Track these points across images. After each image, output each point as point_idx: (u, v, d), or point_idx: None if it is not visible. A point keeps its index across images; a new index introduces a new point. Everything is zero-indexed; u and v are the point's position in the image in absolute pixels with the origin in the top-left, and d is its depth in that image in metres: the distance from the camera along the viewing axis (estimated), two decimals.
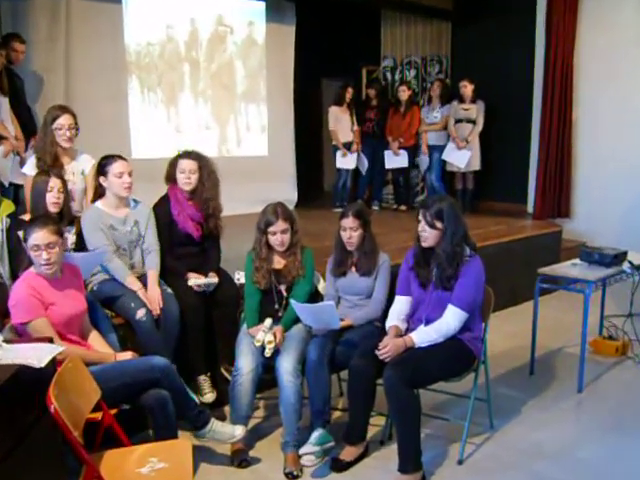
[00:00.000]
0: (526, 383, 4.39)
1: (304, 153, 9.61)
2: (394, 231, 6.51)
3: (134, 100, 7.37)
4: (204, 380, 3.80)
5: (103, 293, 3.61)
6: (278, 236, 3.56)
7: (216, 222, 4.03)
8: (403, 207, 8.47)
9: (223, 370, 3.89)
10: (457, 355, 3.23)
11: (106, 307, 3.57)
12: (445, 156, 7.81)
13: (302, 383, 3.38)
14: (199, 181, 3.95)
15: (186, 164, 3.92)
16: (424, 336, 3.19)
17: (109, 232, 3.69)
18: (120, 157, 3.74)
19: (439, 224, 3.17)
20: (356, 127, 8.34)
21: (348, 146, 8.28)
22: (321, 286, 3.90)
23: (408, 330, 3.35)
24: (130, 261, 3.78)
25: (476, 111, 7.61)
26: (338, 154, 8.25)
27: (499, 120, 8.05)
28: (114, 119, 7.07)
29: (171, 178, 3.98)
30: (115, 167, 3.69)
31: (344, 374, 3.55)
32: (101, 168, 3.73)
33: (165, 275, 3.84)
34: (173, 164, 3.96)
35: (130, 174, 3.71)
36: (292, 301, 3.44)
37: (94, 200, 3.81)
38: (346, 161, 8.27)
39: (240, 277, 3.96)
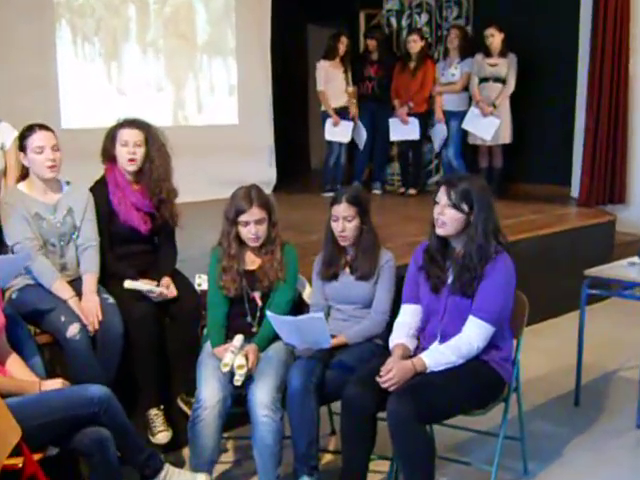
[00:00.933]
0: (570, 416, 4.42)
1: (285, 121, 9.62)
2: (401, 222, 6.53)
3: (64, 53, 7.35)
4: (156, 415, 3.79)
5: (24, 303, 3.59)
6: (252, 227, 3.56)
7: (170, 211, 4.03)
8: (412, 191, 8.51)
9: (180, 402, 3.88)
10: (481, 381, 3.23)
11: (29, 321, 3.55)
12: (466, 125, 7.84)
13: (282, 418, 3.37)
14: (146, 158, 3.94)
15: (129, 135, 3.91)
16: (439, 357, 3.19)
17: (34, 222, 3.68)
18: (41, 127, 3.71)
19: (465, 207, 3.18)
20: (351, 88, 8.34)
21: (342, 112, 8.29)
22: (306, 293, 3.90)
23: (418, 349, 3.36)
24: (60, 260, 3.76)
25: (506, 67, 7.64)
26: (328, 122, 8.27)
27: (535, 79, 8.09)
28: (38, 78, 7.05)
29: (109, 155, 3.97)
30: (34, 140, 3.66)
31: (336, 406, 3.54)
32: (20, 143, 3.71)
33: (106, 280, 3.83)
34: (111, 136, 3.94)
35: (55, 148, 3.69)
36: (269, 313, 3.44)
37: (18, 182, 3.80)
38: (339, 132, 8.29)
39: (202, 282, 3.95)
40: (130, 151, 3.90)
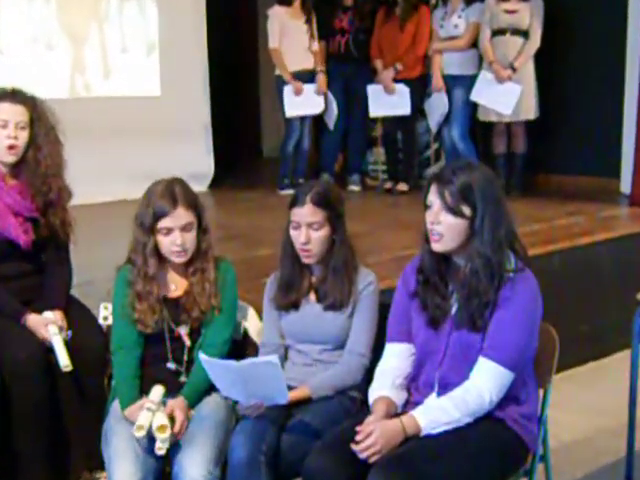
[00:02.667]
0: None
1: (226, 92, 9.62)
2: (387, 229, 6.57)
3: None
4: None
5: None
6: (177, 236, 3.55)
7: (62, 216, 4.03)
8: (403, 186, 8.57)
9: None
10: (496, 448, 3.22)
11: None
12: (476, 96, 7.90)
13: None
14: (31, 144, 3.94)
15: (9, 112, 3.90)
16: (437, 415, 3.19)
17: None
18: None
19: (466, 209, 3.18)
20: (317, 44, 8.37)
21: (304, 78, 8.32)
22: (254, 328, 3.92)
23: (409, 404, 3.35)
24: None
25: (528, 14, 7.73)
26: (286, 92, 8.29)
27: (569, 31, 8.16)
28: None
29: None
30: None
31: None
32: None
33: None
34: None
35: None
36: (202, 356, 3.41)
37: None
38: (304, 102, 8.29)
39: (109, 315, 3.92)
40: (10, 135, 3.89)
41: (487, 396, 3.18)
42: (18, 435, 3.71)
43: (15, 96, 3.94)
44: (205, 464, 3.32)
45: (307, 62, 8.37)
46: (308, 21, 8.36)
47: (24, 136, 3.92)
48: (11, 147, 3.90)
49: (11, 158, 3.93)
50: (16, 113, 3.90)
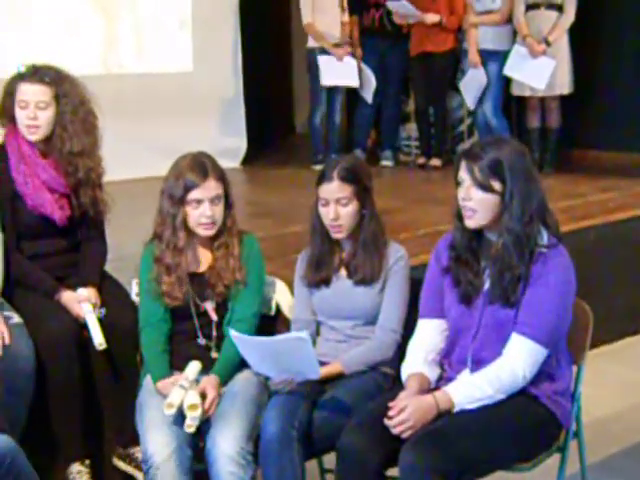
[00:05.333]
0: None
1: (259, 67, 9.61)
2: (419, 205, 6.55)
3: None
4: (79, 473, 3.81)
5: None
6: (206, 207, 3.56)
7: (94, 194, 4.04)
8: (436, 162, 8.55)
9: (116, 459, 3.90)
10: (529, 424, 3.23)
11: None
12: (510, 70, 7.84)
13: (255, 477, 3.39)
14: (57, 122, 3.94)
15: (28, 92, 3.90)
16: (470, 390, 3.19)
17: None
18: None
19: (496, 184, 3.18)
20: (347, 17, 8.33)
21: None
22: (286, 304, 3.93)
23: (442, 380, 3.36)
24: None
25: None
26: (322, 61, 8.21)
27: (602, 6, 8.07)
28: None
29: (8, 115, 3.98)
30: None
31: (329, 459, 3.56)
32: None
33: (10, 290, 3.85)
34: (9, 91, 3.95)
35: None
36: (233, 332, 3.43)
37: None
38: (337, 74, 8.25)
39: None
40: (30, 115, 3.89)
41: (520, 373, 3.18)
42: (53, 411, 3.75)
43: (35, 75, 3.92)
44: (238, 440, 3.35)
45: (337, 35, 8.31)
46: None
47: (46, 116, 3.91)
48: (30, 127, 3.91)
49: (33, 137, 3.93)
50: (35, 93, 3.89)
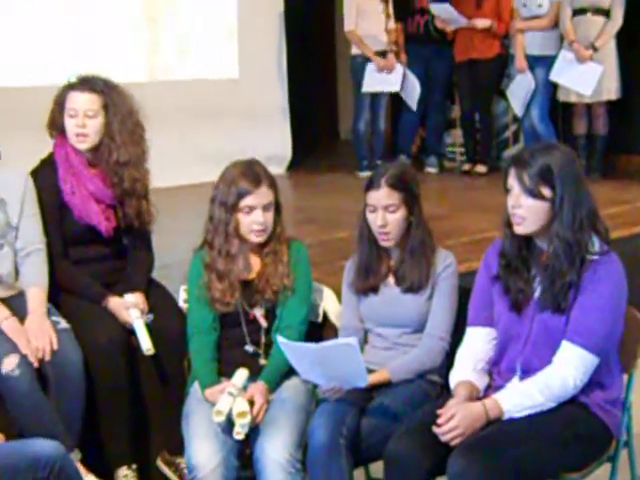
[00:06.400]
0: None
1: (304, 74, 9.62)
2: (465, 211, 6.53)
3: None
4: (125, 477, 3.82)
5: None
6: (258, 214, 3.57)
7: (139, 205, 4.06)
8: (481, 168, 8.53)
9: (161, 463, 3.91)
10: (579, 433, 3.19)
11: None
12: (556, 75, 7.80)
13: None
14: (105, 132, 3.96)
15: (78, 101, 3.92)
16: (520, 399, 3.17)
17: None
18: None
19: (546, 191, 3.16)
20: (393, 23, 8.32)
21: (382, 56, 8.31)
22: (334, 311, 3.93)
23: (491, 389, 3.35)
24: None
25: None
26: (369, 69, 8.23)
27: None
28: None
29: (57, 126, 4.00)
30: None
31: (377, 467, 3.54)
32: None
33: (58, 296, 3.87)
34: (59, 101, 3.97)
35: None
36: (281, 339, 3.42)
37: None
38: (379, 81, 8.25)
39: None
40: (79, 124, 3.91)
41: (571, 381, 3.15)
42: (101, 416, 3.77)
43: (85, 84, 3.96)
44: (286, 447, 3.35)
45: (383, 42, 8.31)
46: (384, 0, 8.30)
47: (94, 124, 3.93)
48: (79, 135, 3.93)
49: (82, 146, 3.95)
50: (85, 101, 3.92)
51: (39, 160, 4.06)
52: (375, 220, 3.60)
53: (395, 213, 3.59)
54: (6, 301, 3.74)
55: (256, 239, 3.62)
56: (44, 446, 3.06)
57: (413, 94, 8.43)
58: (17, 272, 3.85)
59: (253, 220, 3.57)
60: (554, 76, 7.79)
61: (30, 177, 3.94)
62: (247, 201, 3.56)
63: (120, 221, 4.03)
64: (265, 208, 3.58)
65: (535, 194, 3.15)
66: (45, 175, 3.98)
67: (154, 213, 4.13)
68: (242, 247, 3.64)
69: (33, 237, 3.85)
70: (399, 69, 8.28)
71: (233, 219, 3.59)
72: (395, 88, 8.35)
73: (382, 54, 8.28)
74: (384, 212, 3.58)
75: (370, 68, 8.22)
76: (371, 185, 3.63)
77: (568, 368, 3.15)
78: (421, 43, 8.49)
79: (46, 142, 4.07)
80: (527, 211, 3.17)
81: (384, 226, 3.59)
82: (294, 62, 9.08)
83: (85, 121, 3.90)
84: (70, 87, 3.96)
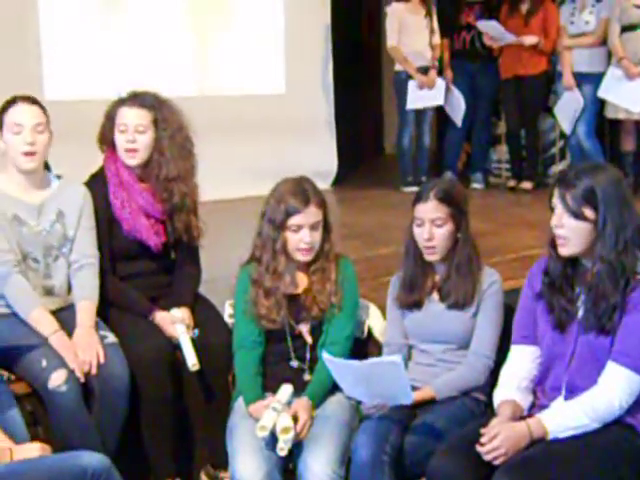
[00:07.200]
0: None
1: (349, 89, 9.63)
2: (511, 228, 6.49)
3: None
4: None
5: None
6: (305, 233, 3.58)
7: (187, 222, 4.08)
8: (527, 185, 8.49)
9: (204, 477, 3.93)
10: (625, 455, 3.16)
11: (2, 363, 3.62)
12: (604, 92, 7.75)
13: None
14: (154, 148, 3.99)
15: (128, 117, 3.95)
16: (564, 419, 3.15)
17: (11, 229, 3.76)
18: (25, 99, 3.78)
19: (589, 213, 3.14)
20: (437, 39, 8.32)
21: (425, 72, 8.31)
22: (378, 327, 3.92)
23: (535, 408, 3.33)
24: (45, 282, 3.84)
25: None
26: (411, 86, 8.24)
27: None
28: (13, 30, 7.16)
29: (108, 140, 4.04)
30: (11, 115, 3.73)
31: None
32: (0, 118, 3.78)
33: (105, 310, 3.90)
34: (110, 116, 4.01)
35: (39, 129, 3.75)
36: (326, 355, 3.43)
37: None
38: (422, 97, 8.25)
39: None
40: (129, 139, 3.94)
41: (617, 402, 3.13)
42: (145, 430, 3.79)
43: (135, 100, 3.99)
44: (330, 463, 3.35)
45: (427, 58, 8.32)
46: (428, 15, 8.30)
47: (144, 139, 3.96)
48: (129, 150, 3.96)
49: (132, 161, 3.98)
50: (135, 117, 3.95)
51: (89, 174, 4.09)
52: (421, 234, 3.61)
53: (442, 227, 3.60)
54: (56, 313, 3.76)
55: (303, 258, 3.62)
56: (91, 459, 3.06)
57: (458, 110, 8.44)
58: (69, 285, 3.89)
59: (300, 239, 3.57)
60: (602, 93, 7.75)
61: (87, 191, 3.96)
62: (295, 220, 3.56)
63: (169, 236, 4.05)
64: (313, 227, 3.58)
65: (578, 215, 3.13)
66: (96, 189, 4.00)
67: (202, 228, 4.15)
68: (289, 265, 3.64)
69: (87, 250, 3.89)
70: (441, 83, 8.29)
71: (281, 237, 3.59)
72: (439, 102, 8.36)
73: (425, 70, 8.28)
74: (431, 226, 3.59)
75: (412, 85, 8.22)
76: (419, 198, 3.63)
77: (614, 389, 3.12)
78: (467, 59, 8.49)
79: (96, 156, 4.11)
80: (569, 231, 3.16)
81: (430, 240, 3.60)
82: (340, 77, 9.09)
83: (135, 136, 3.93)
84: (121, 102, 3.99)
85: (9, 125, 3.72)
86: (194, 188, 4.11)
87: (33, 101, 3.79)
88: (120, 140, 3.96)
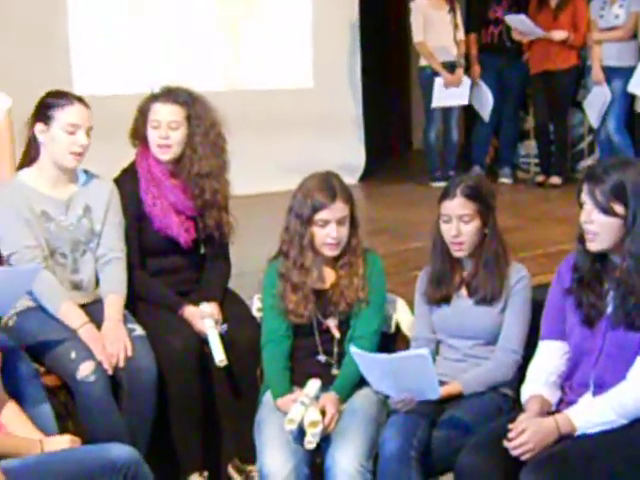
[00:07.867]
0: None
1: (377, 84, 9.62)
2: (539, 223, 6.47)
3: None
4: None
5: (24, 332, 3.69)
6: (332, 228, 3.58)
7: (219, 217, 4.09)
8: (556, 180, 8.45)
9: (232, 470, 3.94)
10: None
11: (32, 356, 3.63)
12: (634, 87, 7.70)
13: None
14: (187, 144, 4.00)
15: (162, 113, 3.97)
16: (592, 415, 3.14)
17: (39, 224, 3.77)
18: (80, 100, 3.79)
19: (619, 208, 3.13)
20: (462, 35, 8.32)
21: (451, 69, 8.29)
22: (406, 322, 3.92)
23: (563, 403, 3.32)
24: (72, 277, 3.86)
25: None
26: (437, 83, 8.23)
27: None
28: (42, 25, 7.19)
29: (140, 135, 4.05)
30: (68, 115, 3.73)
31: None
32: (44, 110, 3.77)
33: (134, 303, 3.92)
34: (142, 111, 4.02)
35: (89, 132, 3.77)
36: (354, 349, 3.44)
37: (19, 167, 3.88)
38: (448, 95, 8.24)
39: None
40: (162, 135, 3.96)
41: None
42: (173, 423, 3.80)
43: (168, 96, 4.00)
44: (357, 457, 3.35)
45: (453, 53, 8.31)
46: (452, 10, 8.29)
47: (177, 136, 3.97)
48: (162, 146, 3.97)
49: (164, 157, 3.99)
50: (168, 113, 3.96)
51: (120, 170, 4.11)
52: (449, 230, 3.60)
53: (469, 224, 3.59)
54: (84, 307, 3.78)
55: (329, 252, 3.62)
56: (120, 451, 3.09)
57: (486, 105, 8.41)
58: (96, 279, 3.91)
59: (327, 234, 3.57)
60: (632, 87, 7.69)
61: (115, 187, 3.98)
62: (322, 215, 3.56)
63: (199, 233, 4.07)
64: (339, 222, 3.58)
65: (607, 210, 3.12)
66: (127, 185, 4.02)
67: (233, 225, 4.16)
68: (316, 260, 3.64)
69: (114, 245, 3.90)
70: (466, 82, 8.27)
71: (308, 232, 3.59)
72: (463, 102, 8.36)
73: (451, 66, 8.27)
74: (458, 222, 3.58)
75: (438, 83, 8.20)
76: (446, 195, 3.63)
77: None
78: (495, 53, 8.46)
79: (125, 151, 4.13)
80: (599, 227, 3.15)
81: (457, 236, 3.59)
82: (368, 71, 9.08)
83: (168, 132, 3.95)
84: (154, 98, 4.00)
85: (64, 124, 3.71)
86: (225, 185, 4.12)
87: (84, 102, 3.79)
88: (153, 136, 3.97)
